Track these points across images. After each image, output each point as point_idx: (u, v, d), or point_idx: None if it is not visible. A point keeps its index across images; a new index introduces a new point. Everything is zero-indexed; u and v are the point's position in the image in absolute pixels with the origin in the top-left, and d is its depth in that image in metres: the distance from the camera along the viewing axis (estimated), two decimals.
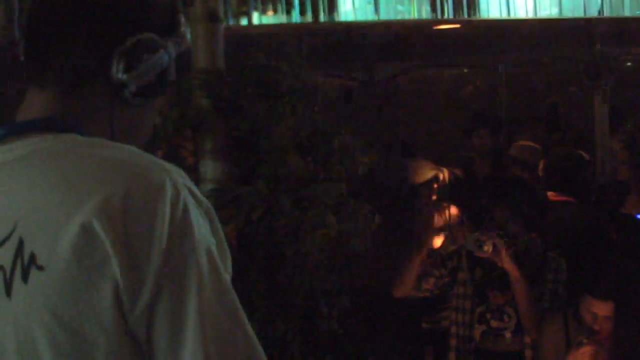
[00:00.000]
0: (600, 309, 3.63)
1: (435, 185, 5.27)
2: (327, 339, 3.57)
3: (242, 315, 1.29)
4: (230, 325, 1.27)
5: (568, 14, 7.54)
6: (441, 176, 5.34)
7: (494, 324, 4.22)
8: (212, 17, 3.33)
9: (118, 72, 1.36)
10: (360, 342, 4.14)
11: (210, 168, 3.38)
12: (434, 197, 5.28)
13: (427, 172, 5.33)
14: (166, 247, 1.22)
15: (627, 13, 8.00)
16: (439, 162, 5.51)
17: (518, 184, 4.56)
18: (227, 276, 1.31)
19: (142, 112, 1.46)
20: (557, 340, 3.89)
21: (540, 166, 5.87)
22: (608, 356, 3.67)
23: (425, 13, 6.97)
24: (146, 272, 1.21)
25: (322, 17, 7.37)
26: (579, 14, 7.69)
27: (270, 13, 8.18)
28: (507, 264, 4.11)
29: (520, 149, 6.20)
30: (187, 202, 1.26)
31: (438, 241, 4.89)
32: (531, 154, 6.10)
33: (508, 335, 4.19)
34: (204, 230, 1.28)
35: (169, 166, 1.30)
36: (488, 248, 4.12)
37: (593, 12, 7.80)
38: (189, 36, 1.49)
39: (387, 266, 4.71)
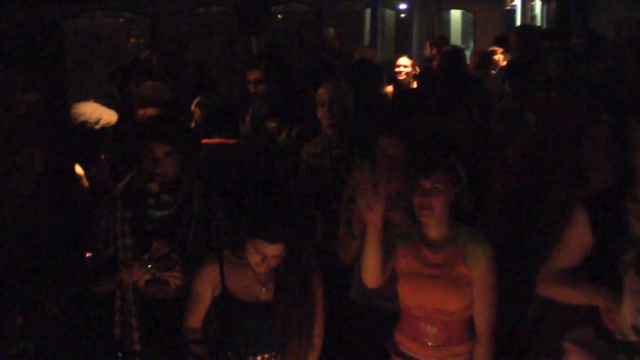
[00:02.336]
0: (270, 250, 3.75)
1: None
2: None
3: None
4: None
5: None
6: (110, 120, 5.23)
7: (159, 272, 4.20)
8: None
9: None
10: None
11: None
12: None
13: (95, 114, 5.21)
14: None
15: None
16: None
17: (172, 120, 4.53)
18: None
19: None
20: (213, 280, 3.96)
21: (197, 113, 6.05)
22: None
23: None
24: None
25: None
26: None
27: None
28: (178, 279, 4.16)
29: (147, 88, 6.30)
30: None
31: None
32: (157, 92, 6.23)
33: (173, 282, 4.22)
34: None
35: None
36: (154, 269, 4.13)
37: None
38: None
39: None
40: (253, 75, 6.50)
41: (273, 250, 3.75)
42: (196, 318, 3.99)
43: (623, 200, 3.37)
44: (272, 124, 6.29)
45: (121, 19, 11.13)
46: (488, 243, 3.94)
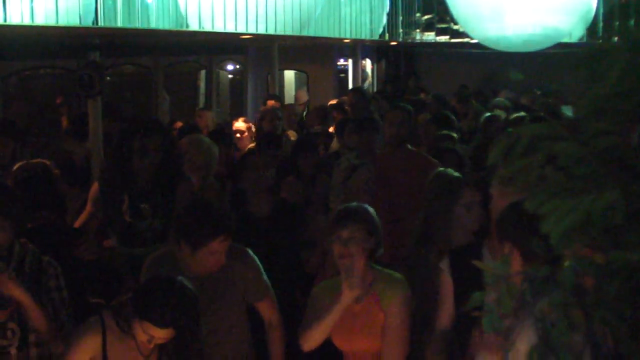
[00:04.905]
0: (159, 333, 3.66)
1: None
2: None
3: None
4: None
5: (64, 22, 7.57)
6: None
7: None
8: None
9: None
10: None
11: None
12: None
13: None
14: None
15: (120, 24, 8.26)
16: None
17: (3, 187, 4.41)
18: None
19: None
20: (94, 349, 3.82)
21: None
22: None
23: None
24: None
25: None
26: (74, 22, 7.77)
27: None
28: (13, 289, 3.95)
29: None
30: None
31: None
32: None
33: (13, 351, 4.08)
34: None
35: None
36: None
37: (89, 22, 7.94)
38: None
39: None
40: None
41: (162, 333, 3.66)
42: None
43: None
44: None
45: None
46: (404, 285, 4.14)
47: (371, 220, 4.12)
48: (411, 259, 4.83)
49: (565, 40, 12.42)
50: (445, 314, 3.92)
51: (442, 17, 16.91)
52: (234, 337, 4.43)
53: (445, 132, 7.78)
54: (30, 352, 4.13)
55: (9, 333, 4.08)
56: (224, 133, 8.81)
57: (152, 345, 3.74)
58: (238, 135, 8.84)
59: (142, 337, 3.68)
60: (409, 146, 6.89)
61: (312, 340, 4.12)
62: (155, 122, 6.12)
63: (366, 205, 4.25)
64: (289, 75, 17.37)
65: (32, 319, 4.03)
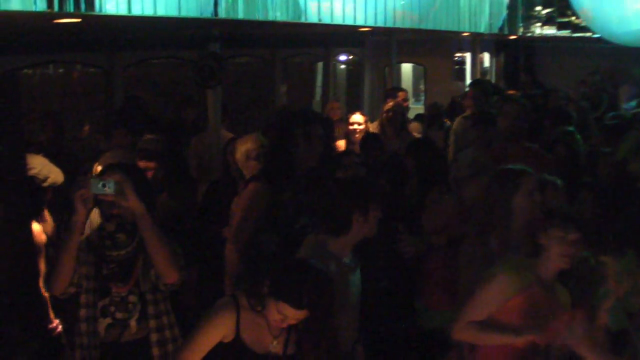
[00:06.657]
0: (294, 314, 3.76)
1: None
2: None
3: None
4: None
5: (185, 13, 7.70)
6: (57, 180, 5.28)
7: (119, 315, 4.26)
8: None
9: None
10: None
11: None
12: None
13: (44, 171, 5.27)
14: None
15: (241, 16, 8.33)
16: None
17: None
18: None
19: None
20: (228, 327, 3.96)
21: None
22: None
23: (42, 5, 6.71)
24: None
25: None
26: (193, 14, 7.88)
27: None
28: (133, 201, 4.13)
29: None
30: None
31: None
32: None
33: (133, 323, 4.27)
34: None
35: None
36: (109, 188, 4.05)
37: (208, 13, 8.04)
38: None
39: None
40: None
41: (297, 314, 3.76)
42: None
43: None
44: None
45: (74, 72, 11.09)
46: None
47: None
48: (468, 246, 4.94)
49: None
50: None
51: (563, 12, 16.50)
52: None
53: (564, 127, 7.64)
54: (150, 323, 4.30)
55: (129, 306, 4.27)
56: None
57: (284, 325, 3.83)
58: (355, 128, 8.87)
59: (275, 317, 3.79)
60: (526, 142, 6.75)
61: (473, 340, 4.30)
62: (315, 111, 6.18)
63: None
64: (407, 68, 17.24)
65: (144, 232, 4.19)
